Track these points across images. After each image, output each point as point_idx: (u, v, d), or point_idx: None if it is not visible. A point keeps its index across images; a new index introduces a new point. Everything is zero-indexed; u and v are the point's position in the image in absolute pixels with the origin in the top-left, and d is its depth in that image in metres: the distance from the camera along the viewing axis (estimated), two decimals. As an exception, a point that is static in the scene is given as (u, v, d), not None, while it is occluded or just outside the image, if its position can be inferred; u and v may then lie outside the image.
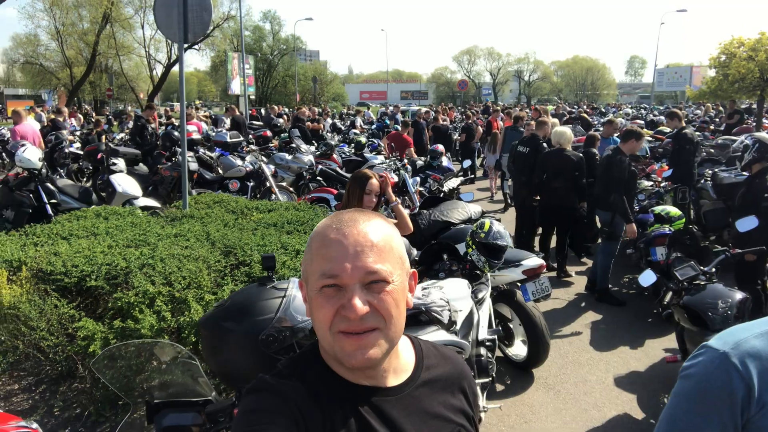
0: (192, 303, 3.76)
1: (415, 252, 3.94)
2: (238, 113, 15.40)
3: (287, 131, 13.29)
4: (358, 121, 20.50)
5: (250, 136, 12.19)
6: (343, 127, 18.56)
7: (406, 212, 3.72)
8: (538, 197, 6.99)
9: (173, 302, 3.80)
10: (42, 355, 3.86)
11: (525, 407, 4.02)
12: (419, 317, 2.96)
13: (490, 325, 3.85)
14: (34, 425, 2.42)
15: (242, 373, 1.79)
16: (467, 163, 10.76)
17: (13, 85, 58.43)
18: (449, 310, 3.05)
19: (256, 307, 1.82)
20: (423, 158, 10.37)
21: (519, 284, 4.46)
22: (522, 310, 4.32)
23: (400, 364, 1.04)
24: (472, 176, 13.56)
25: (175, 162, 9.06)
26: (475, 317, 3.57)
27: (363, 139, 12.10)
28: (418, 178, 8.62)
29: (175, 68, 48.30)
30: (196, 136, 11.61)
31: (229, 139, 11.03)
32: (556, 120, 10.43)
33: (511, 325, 4.51)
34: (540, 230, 7.37)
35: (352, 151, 12.04)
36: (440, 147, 9.91)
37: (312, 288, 0.94)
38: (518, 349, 4.53)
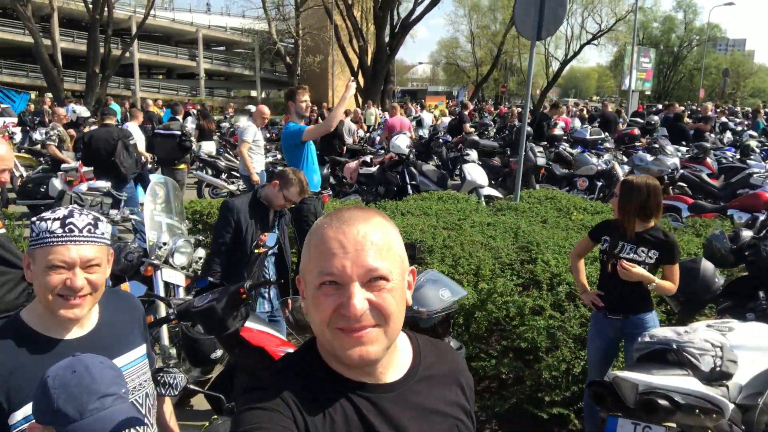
0: (466, 287, 3.97)
1: (719, 282, 3.24)
2: (609, 110, 14.76)
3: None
4: None
5: (606, 134, 11.56)
6: (738, 128, 15.67)
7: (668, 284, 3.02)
8: None
9: (453, 283, 4.09)
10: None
11: None
12: (666, 356, 2.48)
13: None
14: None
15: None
16: None
17: (435, 83, 68.83)
18: (716, 357, 2.45)
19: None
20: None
21: None
22: None
23: (398, 360, 1.04)
24: None
25: (525, 156, 9.35)
26: (781, 378, 2.75)
27: (753, 143, 10.06)
28: (808, 196, 6.77)
29: (573, 63, 48.89)
30: (558, 131, 11.69)
31: (588, 136, 10.73)
32: None
33: None
34: None
35: (737, 156, 10.16)
36: None
37: (310, 285, 0.95)
38: None
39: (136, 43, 36.68)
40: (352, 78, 5.60)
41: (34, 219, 1.48)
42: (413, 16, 28.20)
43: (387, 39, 28.43)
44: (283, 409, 0.93)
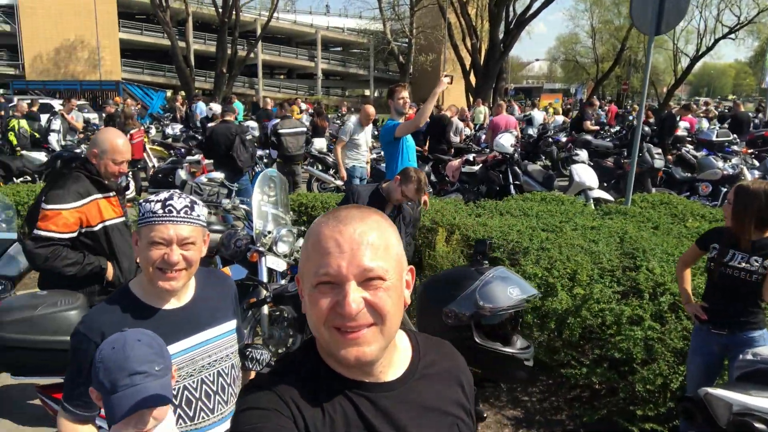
0: (560, 291, 3.86)
1: None
2: (742, 109, 13.44)
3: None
4: None
5: (734, 136, 10.52)
6: None
7: None
8: None
9: (545, 286, 3.98)
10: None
11: None
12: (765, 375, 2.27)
13: None
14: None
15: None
16: None
17: (552, 80, 66.48)
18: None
19: (456, 283, 1.89)
20: None
21: None
22: None
23: (398, 359, 1.04)
24: None
25: (641, 158, 8.81)
26: None
27: None
28: None
29: (706, 59, 45.11)
30: (681, 132, 10.90)
31: (714, 138, 9.89)
32: None
33: None
34: None
35: None
36: None
37: (307, 284, 0.95)
38: None
39: (260, 44, 38.92)
40: (446, 73, 5.63)
41: (140, 200, 1.68)
42: (530, 12, 27.42)
43: (501, 36, 27.85)
44: (282, 408, 0.93)
